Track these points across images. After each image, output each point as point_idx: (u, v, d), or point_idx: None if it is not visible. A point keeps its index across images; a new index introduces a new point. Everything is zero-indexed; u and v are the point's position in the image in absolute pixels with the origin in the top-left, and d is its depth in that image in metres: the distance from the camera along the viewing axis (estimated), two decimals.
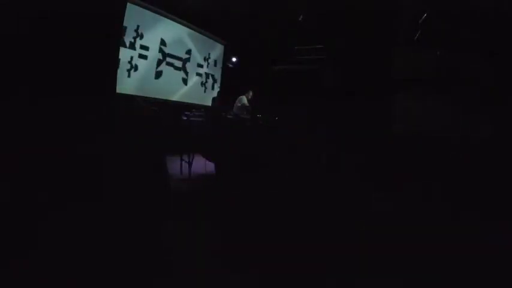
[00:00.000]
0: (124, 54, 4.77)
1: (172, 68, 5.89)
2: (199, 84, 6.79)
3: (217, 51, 7.28)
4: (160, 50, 5.54)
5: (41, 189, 1.81)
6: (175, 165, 3.80)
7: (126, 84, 4.83)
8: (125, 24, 4.70)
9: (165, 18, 5.59)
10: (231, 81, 7.30)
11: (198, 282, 1.61)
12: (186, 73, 6.31)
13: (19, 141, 1.88)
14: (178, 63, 6.08)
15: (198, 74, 6.72)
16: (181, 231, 2.22)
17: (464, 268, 1.92)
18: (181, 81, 6.19)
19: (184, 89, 6.30)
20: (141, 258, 1.71)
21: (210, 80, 7.12)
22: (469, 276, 1.82)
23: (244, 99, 5.78)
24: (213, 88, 7.22)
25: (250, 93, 5.91)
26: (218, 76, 7.38)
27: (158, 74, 5.55)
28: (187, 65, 6.31)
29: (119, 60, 4.65)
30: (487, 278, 1.81)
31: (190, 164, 3.53)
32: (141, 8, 5.01)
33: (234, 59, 7.61)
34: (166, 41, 5.65)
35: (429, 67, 5.45)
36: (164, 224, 2.25)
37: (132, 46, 4.92)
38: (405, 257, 2.04)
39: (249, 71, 7.34)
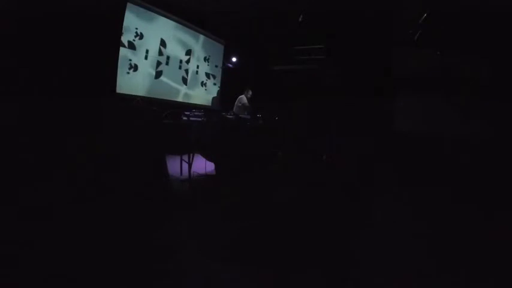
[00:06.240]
0: (124, 54, 4.77)
1: (172, 68, 5.89)
2: (200, 84, 6.79)
3: (217, 51, 7.27)
4: (160, 50, 5.54)
5: (40, 188, 1.81)
6: (175, 165, 3.79)
7: (126, 84, 4.83)
8: (124, 24, 4.70)
9: (165, 18, 5.59)
10: (231, 81, 7.30)
11: (198, 282, 1.61)
12: (186, 73, 6.31)
13: (18, 140, 1.88)
14: (178, 63, 6.08)
15: (198, 74, 6.71)
16: (181, 231, 2.22)
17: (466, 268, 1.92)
18: (181, 81, 6.19)
19: (184, 89, 6.30)
20: (141, 258, 1.71)
21: (210, 80, 7.12)
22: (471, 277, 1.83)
23: (244, 99, 5.78)
24: (213, 88, 7.22)
25: (250, 92, 5.91)
26: (218, 76, 7.38)
27: (158, 74, 5.55)
28: (187, 65, 6.32)
29: (118, 60, 4.66)
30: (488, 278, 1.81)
31: (190, 164, 3.53)
32: (141, 8, 5.01)
33: (234, 59, 7.61)
34: (166, 41, 5.65)
35: (429, 67, 5.45)
36: (164, 224, 2.25)
37: (132, 46, 4.92)
38: (407, 257, 2.04)
39: (249, 71, 7.34)
